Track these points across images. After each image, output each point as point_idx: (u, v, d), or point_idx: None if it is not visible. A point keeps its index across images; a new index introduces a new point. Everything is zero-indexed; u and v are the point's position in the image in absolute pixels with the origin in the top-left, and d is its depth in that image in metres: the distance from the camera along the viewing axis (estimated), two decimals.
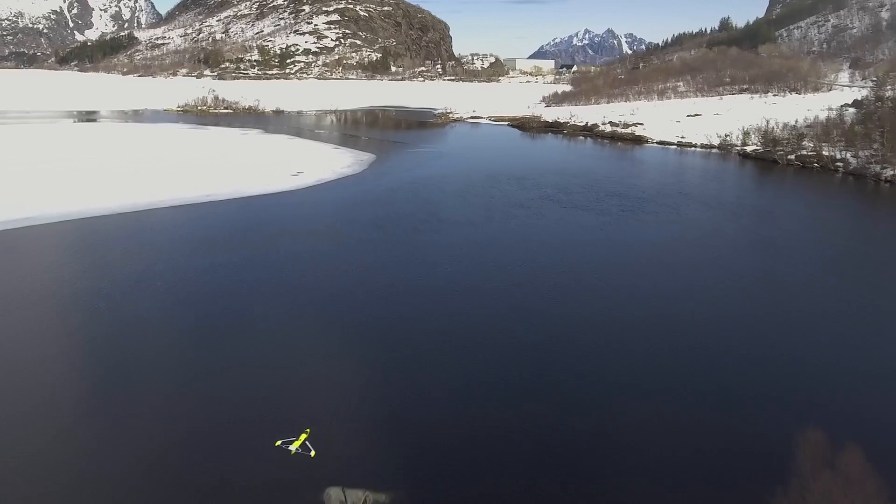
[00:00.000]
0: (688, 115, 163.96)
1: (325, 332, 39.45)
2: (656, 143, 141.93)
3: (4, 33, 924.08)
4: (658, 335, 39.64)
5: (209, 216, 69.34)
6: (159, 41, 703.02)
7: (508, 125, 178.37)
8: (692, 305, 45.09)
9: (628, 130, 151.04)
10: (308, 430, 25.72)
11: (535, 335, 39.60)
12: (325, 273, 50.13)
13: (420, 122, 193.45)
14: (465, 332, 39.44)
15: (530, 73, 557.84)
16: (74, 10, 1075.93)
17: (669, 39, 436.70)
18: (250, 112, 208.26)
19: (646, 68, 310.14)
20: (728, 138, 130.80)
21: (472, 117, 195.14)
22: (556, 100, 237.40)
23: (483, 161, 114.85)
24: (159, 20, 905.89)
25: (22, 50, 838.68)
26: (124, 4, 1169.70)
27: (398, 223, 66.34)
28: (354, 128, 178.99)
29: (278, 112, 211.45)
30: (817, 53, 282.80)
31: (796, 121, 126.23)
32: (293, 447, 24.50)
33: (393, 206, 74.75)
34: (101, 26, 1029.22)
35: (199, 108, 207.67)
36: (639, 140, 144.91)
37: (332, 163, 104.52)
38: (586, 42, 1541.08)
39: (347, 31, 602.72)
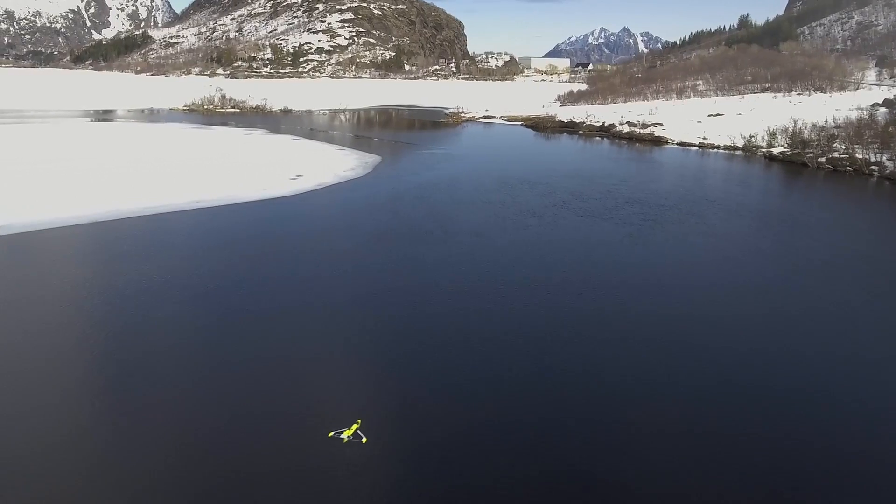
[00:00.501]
0: (709, 115, 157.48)
1: (310, 361, 34.10)
2: (676, 144, 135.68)
3: (23, 32, 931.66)
4: (690, 365, 34.24)
5: (191, 226, 64.15)
6: (173, 40, 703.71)
7: (522, 125, 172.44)
8: (728, 332, 39.29)
9: (647, 131, 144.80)
10: (359, 420, 25.88)
11: (551, 357, 34.50)
12: (314, 293, 44.65)
13: (431, 122, 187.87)
14: (471, 366, 33.87)
15: (545, 72, 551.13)
16: (92, 10, 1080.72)
17: (687, 38, 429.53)
18: (258, 111, 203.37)
19: (663, 67, 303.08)
20: (753, 139, 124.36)
21: (484, 117, 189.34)
22: (571, 99, 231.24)
23: (494, 164, 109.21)
24: (175, 19, 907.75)
25: (40, 49, 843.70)
26: (141, 3, 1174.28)
27: (399, 233, 60.72)
28: (362, 128, 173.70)
29: (287, 111, 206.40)
30: (841, 51, 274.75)
31: (826, 121, 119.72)
32: (345, 436, 24.77)
33: (395, 214, 69.23)
34: (118, 25, 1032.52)
35: (205, 107, 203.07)
36: (658, 141, 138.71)
37: (334, 165, 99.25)
38: (602, 41, 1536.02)
39: (361, 30, 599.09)
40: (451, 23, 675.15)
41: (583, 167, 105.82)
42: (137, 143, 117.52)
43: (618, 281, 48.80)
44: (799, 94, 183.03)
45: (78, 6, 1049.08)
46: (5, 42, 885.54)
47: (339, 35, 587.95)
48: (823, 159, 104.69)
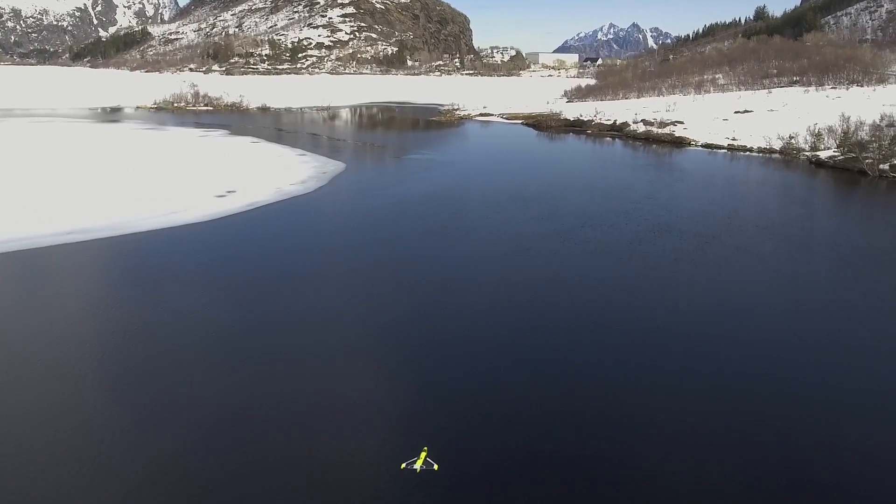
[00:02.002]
0: (736, 112, 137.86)
1: None
2: (701, 145, 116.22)
3: (30, 31, 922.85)
4: None
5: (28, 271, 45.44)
6: (172, 36, 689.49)
7: (523, 124, 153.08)
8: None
9: (666, 130, 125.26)
10: (426, 448, 23.68)
11: None
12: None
13: (420, 121, 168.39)
14: None
15: (553, 67, 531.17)
16: (98, 7, 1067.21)
17: (701, 31, 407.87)
18: (232, 109, 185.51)
19: (677, 60, 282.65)
20: (793, 141, 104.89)
21: (481, 115, 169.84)
22: (579, 94, 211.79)
23: (484, 173, 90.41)
24: (177, 15, 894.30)
25: (46, 47, 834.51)
26: (148, 1, 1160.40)
27: (318, 304, 41.26)
28: (339, 128, 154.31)
29: (264, 109, 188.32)
30: (871, 41, 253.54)
31: (881, 118, 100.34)
32: (417, 466, 22.95)
33: (330, 257, 50.41)
34: (124, 23, 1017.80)
35: (175, 104, 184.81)
36: (679, 142, 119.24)
37: (284, 176, 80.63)
38: (611, 36, 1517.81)
39: (363, 25, 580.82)
40: (456, 17, 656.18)
41: (592, 177, 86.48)
42: (60, 145, 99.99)
43: (655, 372, 30.01)
44: (833, 88, 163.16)
45: (85, 4, 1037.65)
46: (12, 40, 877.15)
47: (340, 30, 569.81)
48: (886, 166, 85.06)
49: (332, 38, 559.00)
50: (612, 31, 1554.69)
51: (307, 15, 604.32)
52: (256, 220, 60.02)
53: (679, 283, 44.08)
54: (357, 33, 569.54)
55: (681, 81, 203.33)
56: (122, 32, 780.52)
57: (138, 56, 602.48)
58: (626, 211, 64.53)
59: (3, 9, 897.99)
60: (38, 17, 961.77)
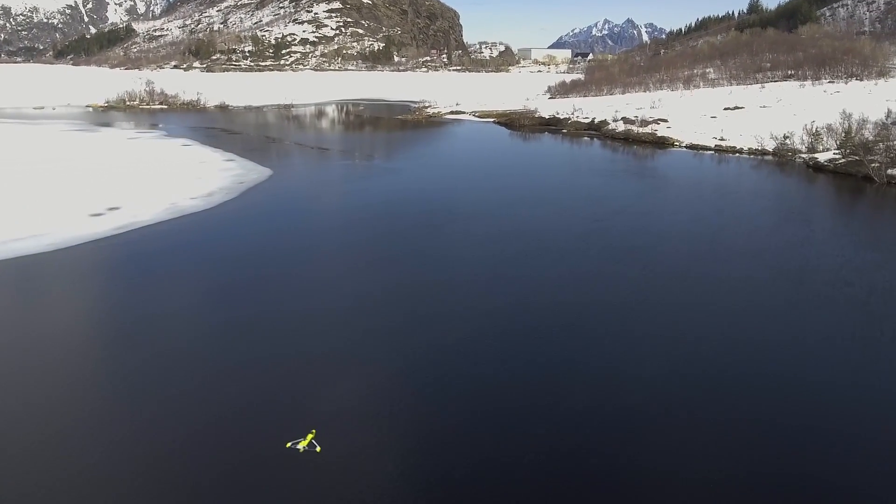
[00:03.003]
0: (725, 109, 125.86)
1: None
2: (685, 146, 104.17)
3: (19, 28, 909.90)
4: None
5: None
6: (157, 33, 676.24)
7: (495, 122, 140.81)
8: None
9: (648, 129, 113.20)
10: (314, 430, 23.20)
11: None
12: None
13: (384, 120, 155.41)
14: None
15: (543, 63, 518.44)
16: (89, 5, 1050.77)
17: (693, 24, 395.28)
18: (189, 108, 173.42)
19: (668, 54, 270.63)
20: (788, 141, 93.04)
21: (452, 112, 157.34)
22: (562, 90, 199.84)
23: (434, 182, 78.32)
24: (163, 12, 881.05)
25: (37, 45, 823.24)
26: None
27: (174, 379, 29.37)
28: (290, 128, 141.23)
29: (223, 108, 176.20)
30: (869, 33, 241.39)
31: (887, 114, 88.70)
32: (301, 446, 22.55)
33: (199, 309, 38.26)
34: (116, 20, 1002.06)
35: (127, 103, 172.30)
36: (662, 143, 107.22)
37: (194, 186, 68.75)
38: (606, 32, 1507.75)
39: (349, 20, 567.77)
40: (445, 12, 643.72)
41: (556, 186, 74.42)
42: None
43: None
44: (831, 83, 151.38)
45: (75, 1, 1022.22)
46: (1, 38, 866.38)
47: (326, 25, 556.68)
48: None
49: (317, 34, 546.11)
50: (606, 26, 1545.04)
51: (293, 10, 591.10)
52: (110, 249, 47.73)
53: (651, 333, 32.27)
54: (343, 29, 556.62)
55: (670, 76, 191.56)
56: (106, 29, 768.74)
57: (121, 53, 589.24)
58: (588, 233, 52.61)
59: None
60: (28, 14, 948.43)
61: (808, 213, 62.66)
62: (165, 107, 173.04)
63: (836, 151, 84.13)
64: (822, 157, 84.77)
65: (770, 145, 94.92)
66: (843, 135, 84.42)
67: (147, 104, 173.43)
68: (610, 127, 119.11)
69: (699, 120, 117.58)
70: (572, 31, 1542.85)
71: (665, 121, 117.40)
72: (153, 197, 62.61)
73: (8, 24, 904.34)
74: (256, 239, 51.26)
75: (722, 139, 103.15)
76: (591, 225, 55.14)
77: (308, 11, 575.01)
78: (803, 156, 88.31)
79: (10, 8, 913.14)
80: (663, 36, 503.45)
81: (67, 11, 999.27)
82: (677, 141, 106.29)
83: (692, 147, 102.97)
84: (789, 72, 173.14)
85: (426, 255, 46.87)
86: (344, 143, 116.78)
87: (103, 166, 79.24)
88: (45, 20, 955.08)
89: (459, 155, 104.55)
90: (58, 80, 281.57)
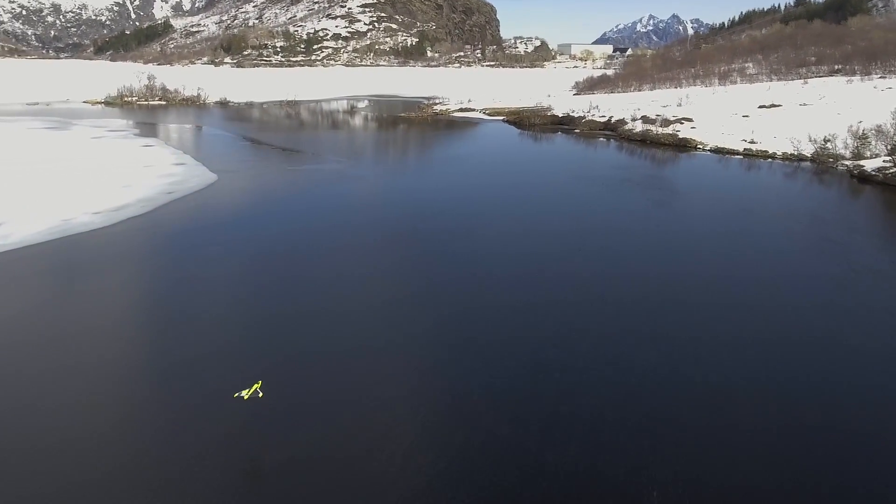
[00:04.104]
0: (760, 107, 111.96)
1: None
2: (709, 150, 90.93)
3: (68, 25, 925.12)
4: None
5: None
6: (194, 28, 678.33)
7: (504, 120, 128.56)
8: None
9: (668, 130, 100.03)
10: (260, 381, 23.79)
11: None
12: None
13: (385, 118, 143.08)
14: None
15: (580, 59, 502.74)
16: (136, 2, 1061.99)
17: (736, 18, 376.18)
18: (188, 103, 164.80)
19: (708, 48, 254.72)
20: (828, 145, 79.55)
21: (460, 110, 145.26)
22: (587, 86, 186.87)
23: (411, 193, 66.51)
24: (203, 7, 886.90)
25: (84, 41, 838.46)
26: None
27: None
28: (275, 126, 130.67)
29: (223, 103, 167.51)
30: None
31: None
32: (245, 394, 23.36)
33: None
34: (161, 16, 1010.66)
35: (124, 99, 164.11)
36: (683, 145, 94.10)
37: (115, 194, 58.60)
38: (650, 28, 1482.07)
39: (383, 15, 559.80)
40: (482, 7, 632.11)
41: (556, 202, 61.11)
42: None
43: None
44: (883, 78, 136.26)
45: None
46: (52, 35, 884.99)
47: (359, 20, 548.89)
48: None
49: (349, 30, 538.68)
50: (651, 22, 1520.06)
51: (327, 5, 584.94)
52: None
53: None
54: (376, 24, 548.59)
55: (705, 71, 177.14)
56: (145, 25, 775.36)
57: (158, 49, 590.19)
58: (601, 262, 40.70)
59: (44, 4, 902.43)
60: (77, 11, 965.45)
61: (848, 240, 49.55)
62: (164, 103, 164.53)
63: (887, 159, 70.44)
64: (870, 164, 71.16)
65: (808, 149, 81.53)
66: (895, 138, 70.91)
67: (145, 100, 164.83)
68: (627, 127, 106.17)
69: (729, 119, 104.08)
70: (616, 26, 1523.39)
71: (689, 120, 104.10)
72: (49, 209, 52.32)
73: (58, 21, 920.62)
74: (129, 277, 40.45)
75: (752, 142, 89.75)
76: (597, 257, 43.25)
77: (342, 6, 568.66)
78: (846, 163, 74.78)
79: (59, 5, 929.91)
80: (704, 30, 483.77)
81: (115, 8, 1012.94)
82: (700, 143, 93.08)
83: (717, 151, 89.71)
84: (836, 66, 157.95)
85: (397, 310, 35.50)
86: (320, 143, 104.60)
87: (26, 169, 69.46)
88: (93, 17, 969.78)
89: (458, 158, 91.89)
90: (73, 75, 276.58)
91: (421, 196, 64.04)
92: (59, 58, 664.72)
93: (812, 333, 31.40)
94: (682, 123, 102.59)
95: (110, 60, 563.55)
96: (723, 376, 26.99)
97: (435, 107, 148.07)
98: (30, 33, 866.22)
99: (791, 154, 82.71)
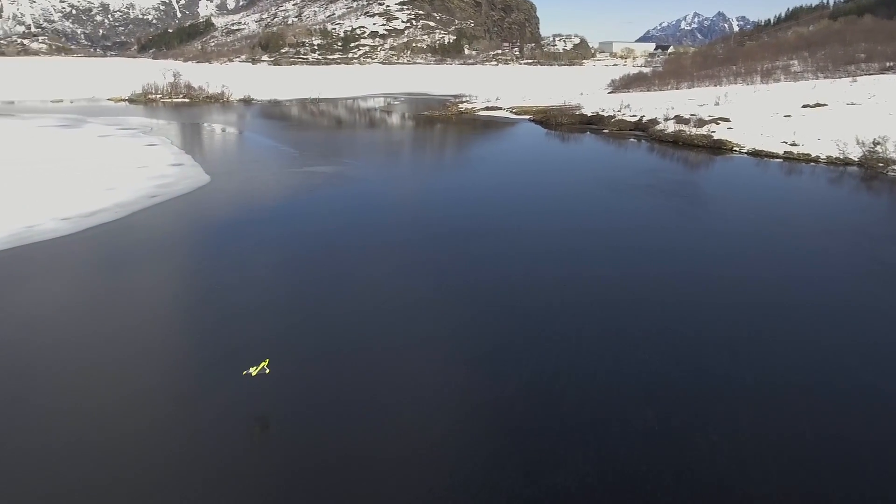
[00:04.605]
0: (804, 106, 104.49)
1: None
2: (746, 152, 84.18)
3: (116, 24, 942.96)
4: None
5: None
6: (234, 27, 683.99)
7: (530, 120, 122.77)
8: None
9: (703, 131, 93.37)
10: (267, 359, 24.43)
11: None
12: None
13: (406, 116, 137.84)
14: None
15: (621, 57, 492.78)
16: (182, 1, 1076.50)
17: (783, 15, 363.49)
18: (211, 101, 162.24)
19: (751, 45, 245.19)
20: (878, 148, 72.53)
21: (486, 108, 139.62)
22: (623, 84, 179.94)
23: (394, 201, 61.21)
24: (244, 5, 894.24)
25: (131, 40, 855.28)
26: None
27: None
28: (290, 124, 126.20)
29: (246, 101, 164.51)
30: None
31: None
32: (254, 371, 23.93)
33: None
34: (206, 15, 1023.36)
35: (148, 96, 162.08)
36: (718, 147, 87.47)
37: (94, 198, 54.90)
38: (695, 26, 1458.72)
39: (421, 12, 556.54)
40: (521, 4, 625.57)
41: (572, 216, 54.68)
42: None
43: None
44: None
45: None
46: (100, 34, 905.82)
47: (397, 18, 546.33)
48: None
49: (387, 27, 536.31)
50: (696, 20, 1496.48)
51: (365, 3, 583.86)
52: None
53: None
54: (414, 21, 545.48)
55: (747, 69, 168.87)
56: (187, 23, 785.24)
57: (198, 47, 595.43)
58: (624, 294, 35.28)
59: (93, 3, 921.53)
60: (125, 10, 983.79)
61: None
62: (187, 100, 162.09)
63: None
64: None
65: (855, 153, 74.52)
66: None
67: (169, 97, 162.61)
68: (658, 127, 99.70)
69: (769, 120, 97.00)
70: (660, 24, 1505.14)
71: (726, 120, 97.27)
72: (18, 214, 48.60)
73: (106, 20, 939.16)
74: (69, 293, 36.19)
75: (794, 144, 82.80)
76: (626, 275, 37.91)
77: (380, 4, 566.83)
78: None
79: (108, 4, 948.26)
80: (749, 27, 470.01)
81: (161, 7, 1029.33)
82: (737, 145, 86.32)
83: (755, 153, 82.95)
84: (888, 63, 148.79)
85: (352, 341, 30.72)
86: (330, 143, 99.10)
87: (18, 170, 66.16)
88: (140, 16, 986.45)
89: (474, 160, 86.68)
90: (108, 72, 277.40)
91: (422, 201, 58.99)
92: (105, 56, 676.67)
93: (862, 384, 25.61)
94: (718, 124, 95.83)
95: (152, 58, 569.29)
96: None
97: (461, 105, 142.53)
98: (79, 32, 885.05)
99: (836, 158, 75.76)
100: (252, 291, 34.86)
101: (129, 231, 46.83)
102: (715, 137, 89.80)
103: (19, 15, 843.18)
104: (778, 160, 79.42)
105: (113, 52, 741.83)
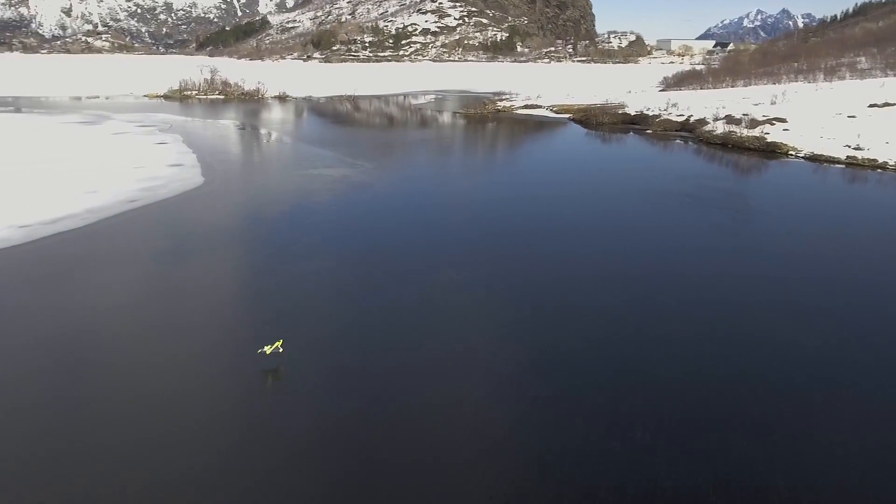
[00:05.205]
0: (871, 106, 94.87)
1: None
2: (803, 156, 75.67)
3: (179, 23, 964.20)
4: None
5: None
6: (289, 25, 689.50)
7: (570, 119, 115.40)
8: None
9: (756, 132, 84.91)
10: (281, 339, 25.61)
11: None
12: None
13: (441, 115, 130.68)
14: None
15: (678, 54, 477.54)
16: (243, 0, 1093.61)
17: (850, 10, 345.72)
18: (246, 97, 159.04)
19: (816, 41, 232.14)
20: None
21: (525, 106, 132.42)
22: (675, 82, 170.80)
23: (397, 211, 55.09)
24: (298, 4, 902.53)
25: (192, 38, 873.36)
26: None
27: None
28: (318, 121, 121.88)
29: (282, 98, 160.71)
30: None
31: None
32: (268, 350, 25.15)
33: None
34: (265, 13, 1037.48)
35: (183, 92, 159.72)
36: (772, 150, 79.07)
37: (68, 202, 50.66)
38: (758, 23, 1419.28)
39: (474, 10, 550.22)
40: (577, 1, 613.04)
41: (612, 231, 48.01)
42: None
43: None
44: None
45: None
46: (164, 32, 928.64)
47: (449, 15, 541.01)
48: None
49: (439, 24, 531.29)
50: (759, 17, 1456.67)
51: (418, 0, 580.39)
52: None
53: None
54: (466, 18, 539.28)
55: (810, 65, 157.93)
56: (243, 22, 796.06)
57: (253, 45, 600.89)
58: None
59: (157, 3, 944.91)
60: (188, 9, 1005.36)
61: None
62: (222, 97, 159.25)
63: None
64: None
65: None
66: None
67: (204, 94, 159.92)
68: (707, 128, 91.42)
69: (831, 120, 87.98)
70: (721, 22, 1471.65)
71: (782, 121, 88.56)
72: None
73: (169, 19, 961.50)
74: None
75: (858, 147, 74.04)
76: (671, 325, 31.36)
77: (432, 1, 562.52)
78: None
79: (171, 3, 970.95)
80: (813, 24, 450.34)
81: (223, 6, 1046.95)
82: (793, 149, 77.81)
83: (813, 158, 74.40)
84: None
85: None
86: (349, 142, 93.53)
87: (8, 170, 62.33)
88: (202, 14, 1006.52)
89: (498, 164, 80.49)
90: (157, 69, 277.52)
91: (417, 206, 52.78)
92: (166, 53, 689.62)
93: None
94: (773, 124, 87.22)
95: (208, 55, 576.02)
96: None
97: (498, 103, 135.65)
98: (144, 31, 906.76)
99: None
100: (189, 336, 29.19)
101: (82, 242, 41.80)
102: (768, 139, 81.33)
103: (87, 14, 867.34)
104: (839, 166, 70.87)
105: (174, 50, 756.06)
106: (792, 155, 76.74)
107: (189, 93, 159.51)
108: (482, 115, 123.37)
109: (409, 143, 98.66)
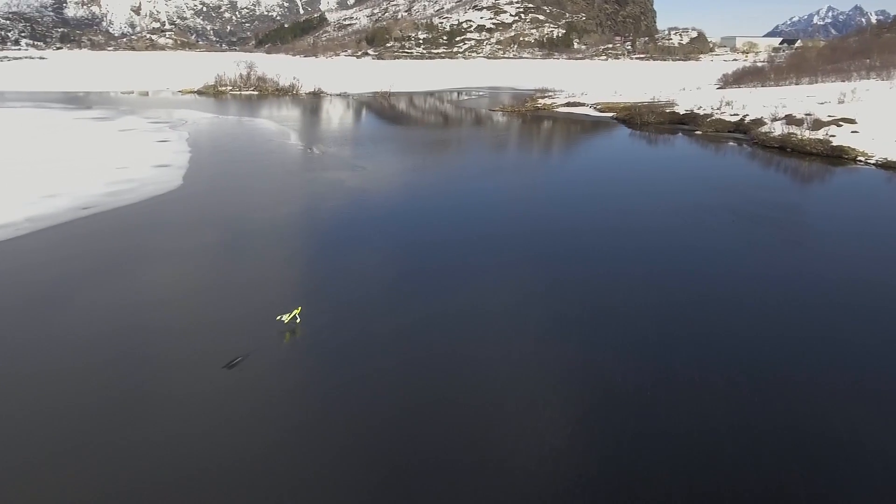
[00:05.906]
0: None
1: None
2: (875, 163, 65.70)
3: (243, 21, 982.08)
4: None
5: None
6: (346, 22, 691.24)
7: (614, 117, 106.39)
8: None
9: (819, 134, 74.92)
10: (300, 307, 26.08)
11: None
12: None
13: (479, 112, 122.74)
14: None
15: (742, 52, 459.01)
16: None
17: None
18: (280, 93, 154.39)
19: (890, 36, 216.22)
20: None
21: (568, 104, 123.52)
22: (734, 79, 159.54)
23: (398, 218, 47.76)
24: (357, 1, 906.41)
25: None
26: None
27: None
28: (344, 118, 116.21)
29: (317, 94, 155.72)
30: None
31: None
32: (286, 318, 25.57)
33: None
34: (326, 10, 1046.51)
35: (217, 88, 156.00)
36: (837, 155, 69.20)
37: (11, 210, 44.54)
38: (829, 21, 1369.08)
39: (530, 6, 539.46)
40: None
41: (640, 263, 39.69)
42: None
43: None
44: None
45: None
46: (228, 30, 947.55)
47: (505, 11, 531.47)
48: None
49: (494, 21, 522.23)
50: (830, 14, 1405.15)
51: None
52: None
53: None
54: (522, 15, 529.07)
55: (883, 62, 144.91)
56: (302, 19, 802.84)
57: (310, 42, 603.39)
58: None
59: (223, 1, 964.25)
60: (252, 7, 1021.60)
61: None
62: (256, 92, 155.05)
63: None
64: None
65: None
66: None
67: (238, 90, 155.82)
68: (763, 129, 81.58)
69: None
70: (790, 19, 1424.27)
71: (851, 122, 78.28)
72: None
73: (234, 17, 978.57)
74: None
75: None
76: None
77: None
78: None
79: (236, 2, 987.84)
80: (888, 20, 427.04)
81: (285, 4, 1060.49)
82: (863, 154, 67.82)
83: (886, 165, 64.41)
84: None
85: None
86: (368, 140, 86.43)
87: (22, 167, 57.53)
88: (265, 12, 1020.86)
89: (520, 168, 72.37)
90: (201, 65, 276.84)
91: (424, 213, 45.37)
92: (228, 51, 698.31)
93: None
94: (840, 126, 77.06)
95: (266, 52, 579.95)
96: None
97: (539, 100, 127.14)
98: (209, 28, 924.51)
99: None
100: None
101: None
102: (834, 143, 71.39)
103: (155, 12, 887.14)
104: None
105: (235, 48, 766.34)
106: (861, 161, 66.81)
107: (224, 88, 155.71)
108: (519, 112, 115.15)
109: (426, 142, 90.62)
